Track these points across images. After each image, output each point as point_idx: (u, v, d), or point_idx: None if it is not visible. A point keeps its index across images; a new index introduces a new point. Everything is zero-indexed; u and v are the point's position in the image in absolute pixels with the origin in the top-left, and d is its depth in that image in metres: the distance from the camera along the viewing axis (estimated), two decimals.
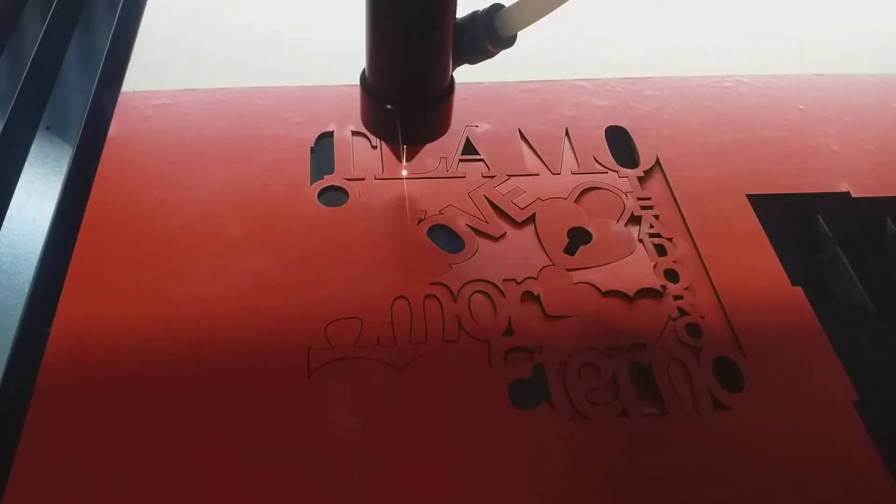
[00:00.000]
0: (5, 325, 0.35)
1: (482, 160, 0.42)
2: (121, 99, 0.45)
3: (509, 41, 0.35)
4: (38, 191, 0.42)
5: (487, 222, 0.39)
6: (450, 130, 0.43)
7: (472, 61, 0.36)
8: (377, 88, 0.35)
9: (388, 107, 0.35)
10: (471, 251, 0.38)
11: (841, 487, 0.31)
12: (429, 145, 0.42)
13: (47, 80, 0.48)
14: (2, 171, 0.42)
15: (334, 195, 0.40)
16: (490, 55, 0.35)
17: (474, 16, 0.34)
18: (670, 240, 0.39)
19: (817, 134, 0.46)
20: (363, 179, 0.41)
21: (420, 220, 0.39)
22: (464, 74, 0.47)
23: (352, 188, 0.40)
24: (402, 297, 0.35)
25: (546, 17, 0.33)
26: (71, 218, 0.39)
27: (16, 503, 0.28)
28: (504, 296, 0.36)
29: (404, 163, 0.40)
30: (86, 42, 0.52)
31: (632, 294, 0.36)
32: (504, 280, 0.36)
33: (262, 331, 0.34)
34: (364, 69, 0.35)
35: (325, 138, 0.43)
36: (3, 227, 0.39)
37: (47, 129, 0.46)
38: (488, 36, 0.34)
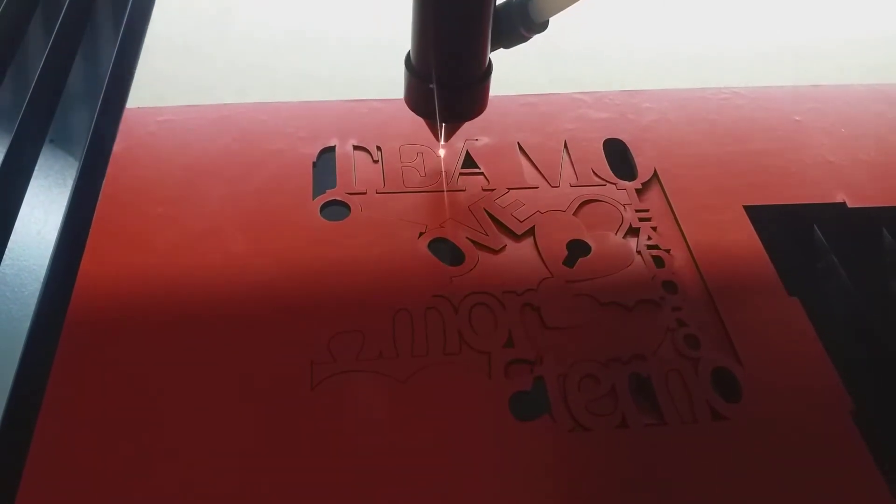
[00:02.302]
0: (13, 337, 0.36)
1: (482, 173, 0.43)
2: (125, 115, 0.45)
3: (542, 26, 0.37)
4: (44, 204, 0.43)
5: (487, 235, 0.39)
6: (449, 144, 0.44)
7: (508, 45, 0.38)
8: (420, 69, 0.37)
9: (431, 86, 0.37)
10: (471, 264, 0.38)
11: (838, 497, 0.31)
12: (427, 160, 0.43)
13: (53, 95, 0.49)
14: (8, 184, 0.42)
15: (336, 209, 0.40)
16: (524, 40, 0.38)
17: (509, 2, 0.37)
18: (668, 251, 0.39)
19: (813, 145, 0.46)
20: (365, 193, 0.41)
21: (421, 234, 0.39)
22: None
23: (353, 202, 0.41)
24: (404, 309, 0.36)
25: (576, 4, 0.35)
26: (77, 232, 0.39)
27: None
28: (504, 308, 0.36)
29: (442, 142, 0.42)
30: (90, 58, 0.52)
31: (631, 305, 0.37)
32: (504, 292, 0.37)
33: (266, 344, 0.34)
34: (409, 51, 0.37)
35: (327, 153, 0.43)
36: (9, 241, 0.40)
37: (51, 141, 0.46)
38: (522, 21, 0.36)
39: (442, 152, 0.43)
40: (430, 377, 0.33)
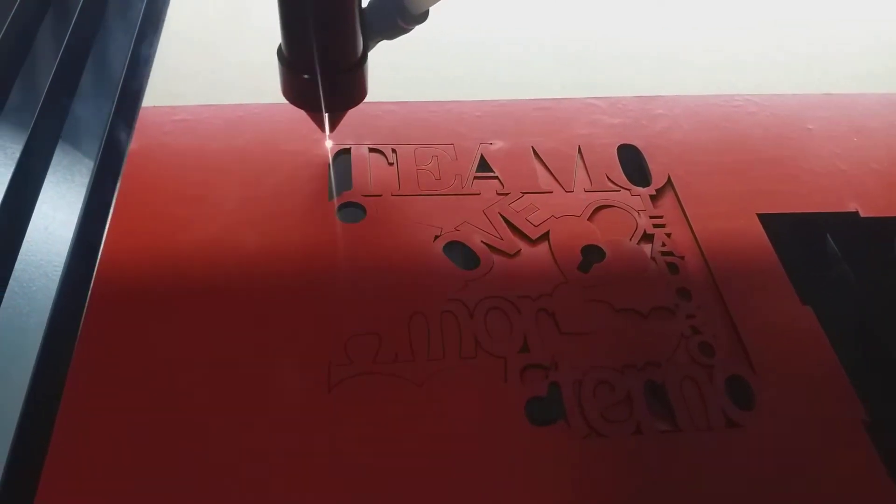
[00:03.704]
0: (23, 332, 0.36)
1: (496, 177, 0.43)
2: (141, 114, 0.45)
3: (421, 17, 0.37)
4: (52, 199, 0.42)
5: (502, 239, 0.40)
6: (464, 148, 0.44)
7: (389, 37, 0.38)
8: (293, 60, 0.37)
9: (306, 76, 0.37)
10: (486, 268, 0.38)
11: None
12: (443, 162, 0.43)
13: (67, 93, 0.49)
14: (24, 183, 0.42)
15: (352, 211, 0.41)
16: (404, 31, 0.38)
17: None
18: (682, 258, 0.39)
19: (826, 154, 0.46)
20: (380, 196, 0.41)
21: (436, 237, 0.39)
22: (476, 92, 0.48)
23: (369, 204, 0.41)
24: (420, 312, 0.36)
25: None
26: (93, 230, 0.39)
27: None
28: (520, 312, 0.36)
29: (327, 133, 0.42)
30: (106, 57, 0.52)
31: (645, 312, 0.37)
32: (519, 296, 0.37)
33: (283, 346, 0.34)
34: (280, 44, 0.37)
35: (343, 155, 0.44)
36: (24, 241, 0.40)
37: (61, 139, 0.46)
38: (399, 13, 0.37)
39: (329, 143, 0.44)
40: (446, 381, 0.34)
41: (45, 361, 0.34)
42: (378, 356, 0.34)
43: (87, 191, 0.42)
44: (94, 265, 0.37)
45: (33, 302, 0.37)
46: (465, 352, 0.35)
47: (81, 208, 0.41)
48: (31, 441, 0.31)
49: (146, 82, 0.48)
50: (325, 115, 0.40)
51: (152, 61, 0.50)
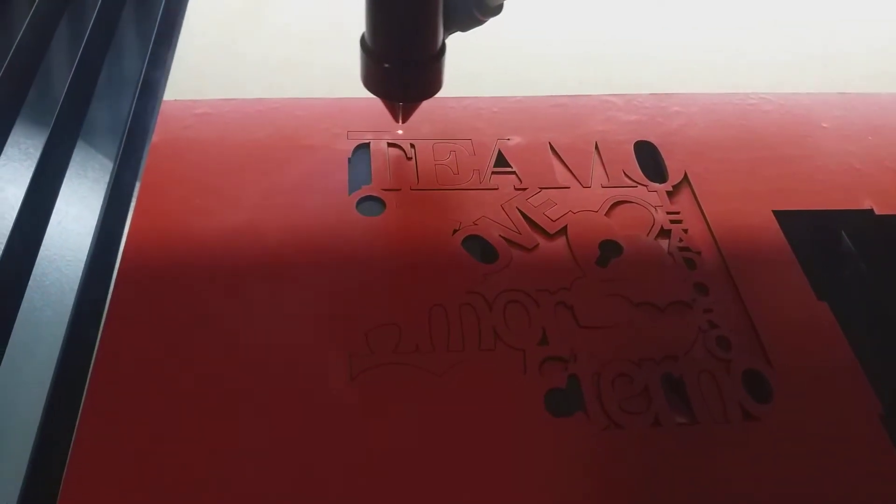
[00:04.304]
0: (35, 325, 0.36)
1: (514, 172, 0.43)
2: (163, 107, 0.46)
3: (496, 10, 0.38)
4: (64, 195, 0.43)
5: (520, 233, 0.40)
6: (482, 143, 0.44)
7: (464, 28, 0.39)
8: (375, 48, 0.38)
9: (386, 65, 0.38)
10: (505, 261, 0.39)
11: (867, 498, 0.31)
12: (461, 157, 0.44)
13: (87, 90, 0.49)
14: (44, 181, 0.43)
15: (372, 205, 0.41)
16: (479, 23, 0.39)
17: None
18: (699, 254, 0.40)
19: (840, 152, 0.47)
20: (399, 190, 0.42)
21: (455, 231, 0.40)
22: (494, 88, 0.49)
23: (388, 198, 0.41)
24: (440, 304, 0.36)
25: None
26: (115, 226, 0.40)
27: None
28: (538, 305, 0.37)
29: (401, 122, 0.43)
30: (125, 54, 0.53)
31: (663, 306, 0.37)
32: (538, 290, 0.37)
33: (304, 336, 0.35)
34: (363, 33, 0.38)
35: (362, 149, 0.44)
36: (45, 237, 0.40)
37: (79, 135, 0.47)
38: (477, 5, 0.37)
39: (401, 133, 0.45)
40: (465, 372, 0.34)
41: (68, 353, 0.34)
42: (399, 347, 0.34)
43: (108, 185, 0.42)
44: (117, 257, 0.38)
45: (47, 296, 0.38)
46: (485, 344, 0.35)
47: (103, 202, 0.41)
48: (53, 435, 0.31)
49: (166, 79, 0.48)
50: (400, 105, 0.41)
51: (172, 58, 0.50)
